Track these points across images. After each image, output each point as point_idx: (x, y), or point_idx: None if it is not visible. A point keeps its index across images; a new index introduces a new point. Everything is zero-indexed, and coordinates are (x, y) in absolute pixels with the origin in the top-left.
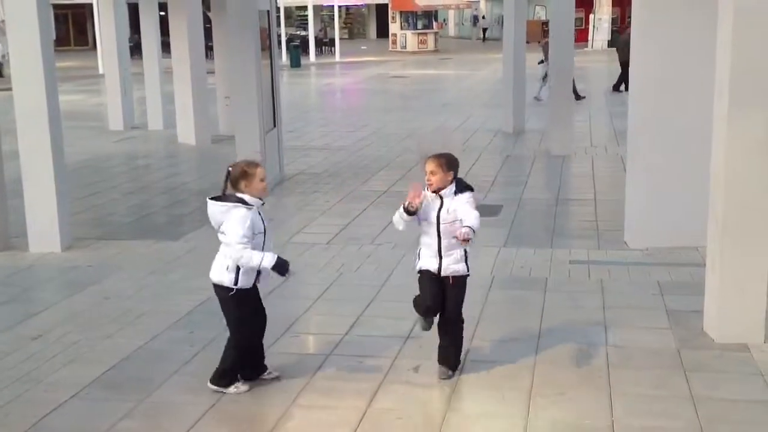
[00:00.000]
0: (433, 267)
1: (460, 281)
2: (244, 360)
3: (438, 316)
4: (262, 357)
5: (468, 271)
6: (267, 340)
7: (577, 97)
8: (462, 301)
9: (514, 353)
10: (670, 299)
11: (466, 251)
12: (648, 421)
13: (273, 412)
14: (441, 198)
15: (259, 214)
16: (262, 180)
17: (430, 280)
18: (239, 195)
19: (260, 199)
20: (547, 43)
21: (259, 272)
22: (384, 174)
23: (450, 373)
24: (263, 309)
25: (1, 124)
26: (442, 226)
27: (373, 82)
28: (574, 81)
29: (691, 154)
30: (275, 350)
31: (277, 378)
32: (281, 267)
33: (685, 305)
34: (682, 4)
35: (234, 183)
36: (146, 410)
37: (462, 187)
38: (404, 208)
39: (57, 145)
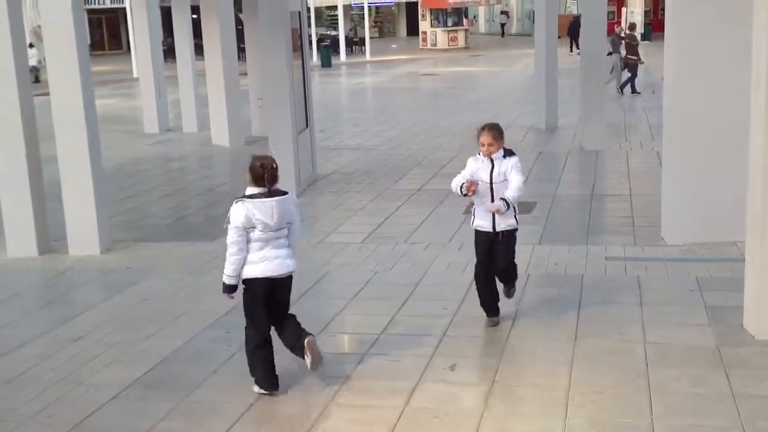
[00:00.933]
0: (487, 224)
1: (511, 234)
2: None
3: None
4: None
5: (517, 224)
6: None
7: (634, 90)
8: (514, 249)
9: (551, 351)
10: (708, 295)
11: (515, 208)
12: (688, 419)
13: (311, 411)
14: (492, 161)
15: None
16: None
17: (484, 242)
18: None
19: None
20: (616, 36)
21: None
22: (416, 172)
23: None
24: None
25: (39, 129)
26: (494, 185)
27: (404, 81)
28: (636, 74)
29: (728, 147)
30: None
31: None
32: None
33: (724, 301)
34: None
35: (276, 177)
36: (187, 410)
37: (507, 151)
38: (462, 191)
39: (94, 148)
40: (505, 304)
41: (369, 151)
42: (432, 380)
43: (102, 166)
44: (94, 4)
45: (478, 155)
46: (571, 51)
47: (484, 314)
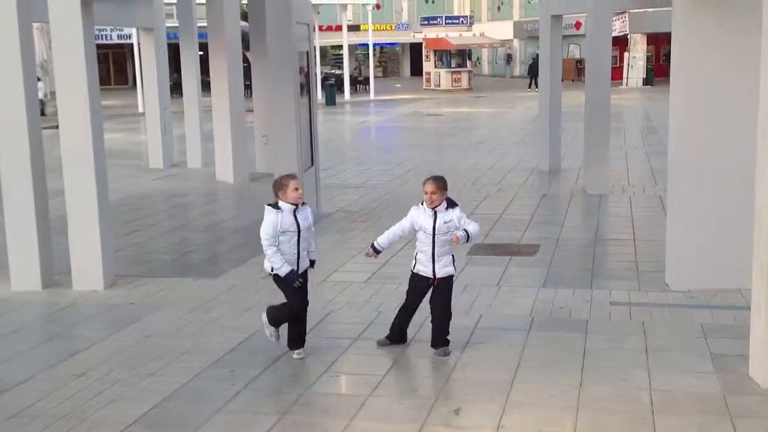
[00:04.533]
0: (427, 271)
1: (448, 281)
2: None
3: (431, 313)
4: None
5: (454, 271)
6: (307, 379)
7: None
8: (450, 297)
9: (557, 397)
10: (713, 343)
11: (453, 257)
12: None
13: None
14: (435, 213)
15: (294, 215)
16: (295, 189)
17: (421, 286)
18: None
19: (294, 204)
20: None
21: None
22: None
23: (449, 350)
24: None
25: (45, 162)
26: (437, 236)
27: (408, 120)
28: None
29: (733, 194)
30: (315, 390)
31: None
32: (286, 280)
33: (729, 349)
34: (723, 42)
35: (275, 192)
36: None
37: (450, 202)
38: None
39: (102, 184)
40: (509, 350)
41: (373, 189)
42: (436, 424)
43: (108, 202)
44: (102, 39)
45: (420, 204)
46: (530, 88)
47: (482, 356)
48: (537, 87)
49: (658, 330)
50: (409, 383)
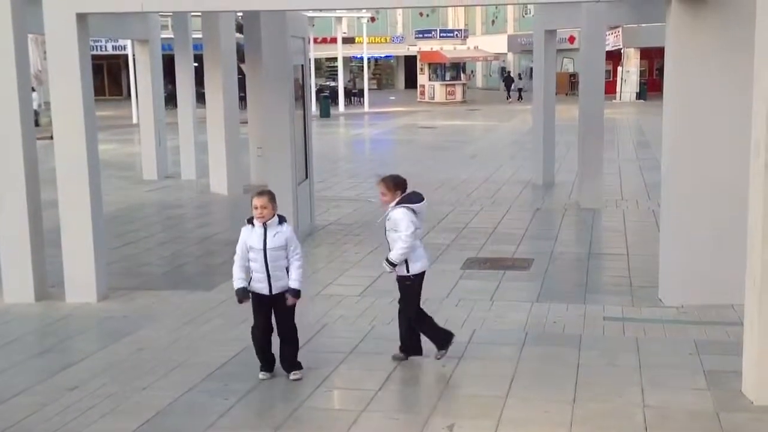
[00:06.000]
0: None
1: (399, 280)
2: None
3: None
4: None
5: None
6: (301, 394)
7: None
8: (405, 299)
9: (550, 413)
10: (707, 359)
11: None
12: None
13: None
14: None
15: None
16: (255, 207)
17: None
18: None
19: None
20: None
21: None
22: None
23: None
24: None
25: (39, 174)
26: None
27: (402, 133)
28: None
29: (726, 209)
30: (309, 405)
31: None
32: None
33: (722, 365)
34: (716, 57)
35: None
36: None
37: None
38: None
39: (96, 195)
40: (502, 365)
41: (367, 202)
42: None
43: (102, 214)
44: (96, 50)
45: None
46: (513, 99)
47: (476, 371)
48: (511, 98)
49: (652, 346)
50: (403, 398)
